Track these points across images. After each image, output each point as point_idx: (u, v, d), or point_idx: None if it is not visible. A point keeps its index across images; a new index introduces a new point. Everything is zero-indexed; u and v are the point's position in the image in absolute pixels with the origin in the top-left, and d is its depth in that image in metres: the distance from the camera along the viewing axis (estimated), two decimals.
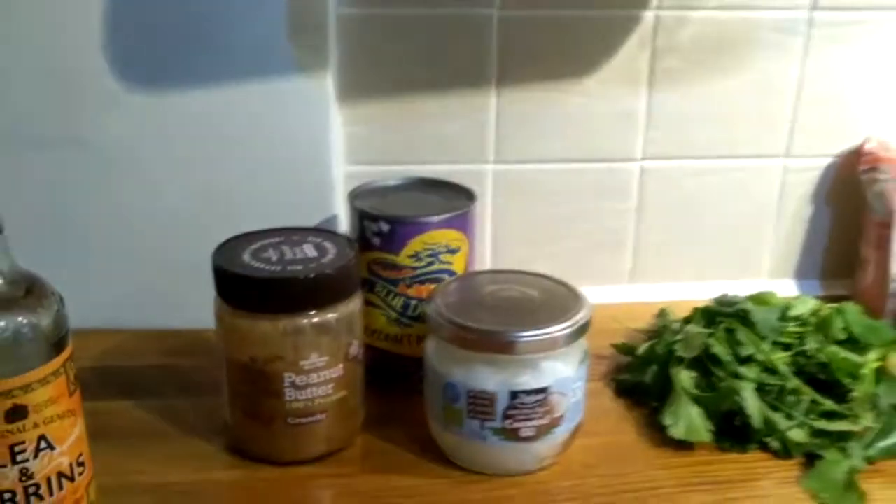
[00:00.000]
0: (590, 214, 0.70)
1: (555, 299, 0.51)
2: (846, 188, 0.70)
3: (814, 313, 0.59)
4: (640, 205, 0.70)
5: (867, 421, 0.51)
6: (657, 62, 0.66)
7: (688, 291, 0.70)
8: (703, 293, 0.64)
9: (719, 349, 0.54)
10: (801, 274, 0.73)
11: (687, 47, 0.66)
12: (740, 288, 0.63)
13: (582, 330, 0.48)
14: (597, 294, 0.56)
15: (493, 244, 0.70)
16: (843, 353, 0.55)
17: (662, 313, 0.65)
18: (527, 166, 0.68)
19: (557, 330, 0.47)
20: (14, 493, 0.39)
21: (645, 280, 0.72)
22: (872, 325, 0.58)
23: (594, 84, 0.66)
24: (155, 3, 0.57)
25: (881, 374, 0.55)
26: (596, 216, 0.70)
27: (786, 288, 0.72)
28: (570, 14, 0.64)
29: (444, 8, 0.63)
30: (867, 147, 0.69)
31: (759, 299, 0.61)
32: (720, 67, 0.67)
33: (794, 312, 0.59)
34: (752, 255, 0.73)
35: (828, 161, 0.70)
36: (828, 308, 0.60)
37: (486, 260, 0.70)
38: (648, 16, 0.65)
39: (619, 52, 0.65)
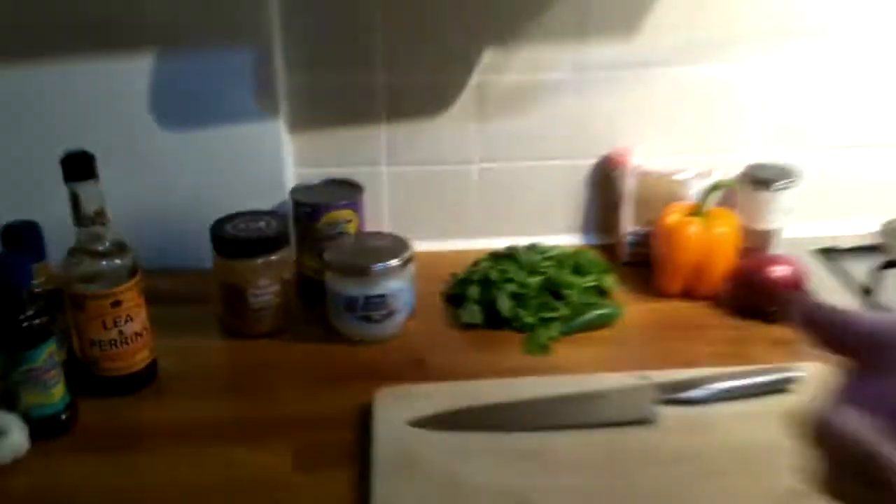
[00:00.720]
0: (441, 197, 1.11)
1: (395, 246, 0.93)
2: (607, 179, 1.12)
3: (563, 254, 1.01)
4: (479, 197, 1.12)
5: (565, 311, 0.93)
6: (487, 100, 1.07)
7: (503, 243, 1.10)
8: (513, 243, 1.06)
9: (493, 273, 0.96)
10: (585, 230, 1.15)
11: (505, 93, 1.07)
12: (546, 240, 1.05)
13: (406, 262, 0.90)
14: (444, 245, 0.99)
15: (390, 217, 1.12)
16: (569, 277, 0.97)
17: (477, 259, 1.07)
18: (405, 168, 1.10)
19: (391, 262, 0.89)
20: (117, 341, 0.82)
21: (486, 236, 1.13)
22: (593, 260, 1.00)
23: (442, 121, 1.07)
24: (163, 81, 0.99)
25: (590, 289, 0.97)
26: (444, 198, 1.12)
27: (574, 240, 1.13)
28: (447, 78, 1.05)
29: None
30: (613, 154, 1.10)
31: (534, 246, 1.03)
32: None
33: (549, 254, 1.01)
34: (551, 218, 1.14)
35: (593, 161, 1.11)
36: (572, 251, 1.02)
37: (384, 226, 1.11)
38: (474, 79, 1.06)
39: (456, 102, 1.06)
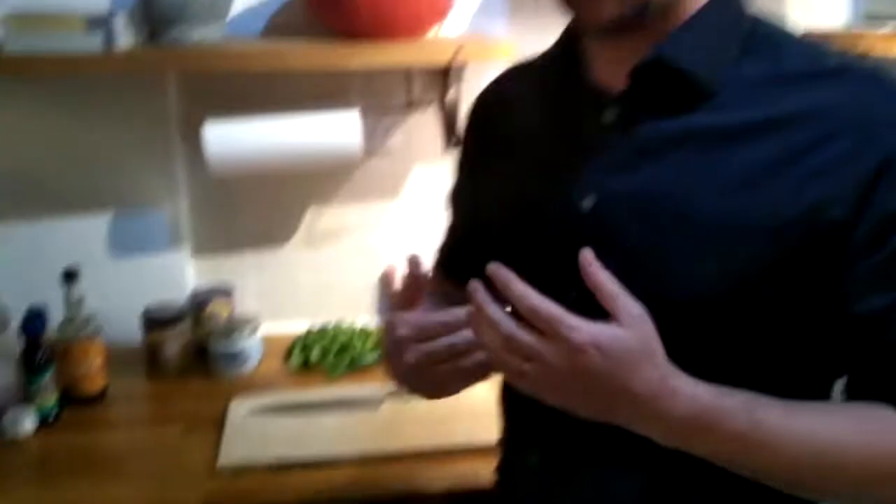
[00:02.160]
0: (287, 296, 1.79)
1: (252, 321, 1.60)
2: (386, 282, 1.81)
3: (361, 328, 1.69)
4: (311, 294, 1.80)
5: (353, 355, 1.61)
6: (314, 232, 1.76)
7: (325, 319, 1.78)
8: None
9: (310, 338, 1.64)
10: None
11: (327, 231, 1.77)
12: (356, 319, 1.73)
13: (255, 329, 1.58)
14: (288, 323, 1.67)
15: (254, 305, 1.79)
16: (357, 340, 1.65)
17: (307, 330, 1.74)
18: (264, 276, 1.78)
19: (247, 330, 1.56)
20: None
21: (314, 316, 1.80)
22: (375, 331, 1.69)
23: (288, 248, 1.76)
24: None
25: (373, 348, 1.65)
26: (289, 296, 1.80)
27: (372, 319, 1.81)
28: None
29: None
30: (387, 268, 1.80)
31: (340, 322, 1.71)
32: None
33: (351, 326, 1.69)
34: (357, 304, 1.82)
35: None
36: (366, 327, 1.71)
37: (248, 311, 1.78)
38: None
39: (293, 237, 1.76)
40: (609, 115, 0.82)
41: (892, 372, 0.76)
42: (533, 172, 0.89)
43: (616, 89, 0.82)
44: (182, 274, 1.71)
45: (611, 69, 0.83)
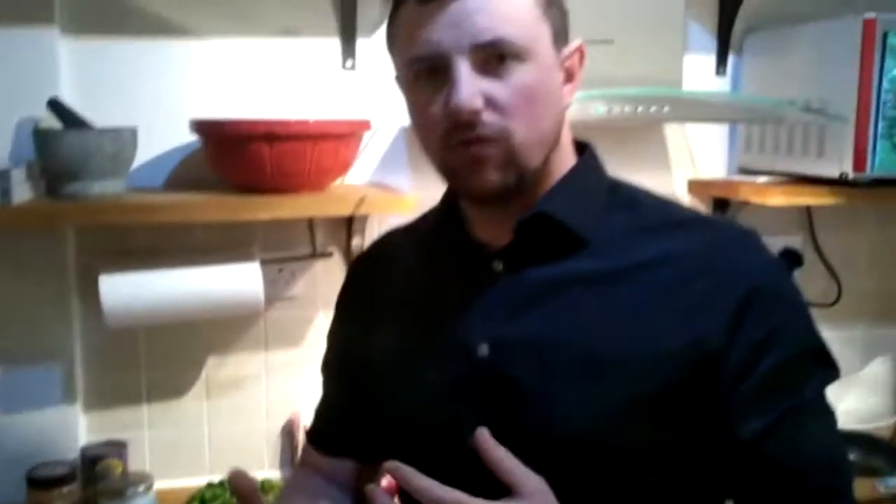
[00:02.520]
0: (181, 452, 1.73)
1: (145, 478, 1.53)
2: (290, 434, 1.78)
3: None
4: (210, 450, 1.75)
5: None
6: (212, 387, 1.72)
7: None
8: None
9: (207, 493, 1.57)
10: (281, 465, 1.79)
11: (223, 384, 1.73)
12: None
13: (149, 487, 1.51)
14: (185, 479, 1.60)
15: (149, 462, 1.72)
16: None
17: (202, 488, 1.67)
18: (159, 431, 1.72)
19: (141, 488, 1.50)
20: None
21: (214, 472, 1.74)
22: (276, 483, 1.64)
23: (184, 401, 1.72)
24: None
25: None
26: (183, 452, 1.74)
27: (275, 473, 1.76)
28: None
29: None
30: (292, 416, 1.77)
31: None
32: None
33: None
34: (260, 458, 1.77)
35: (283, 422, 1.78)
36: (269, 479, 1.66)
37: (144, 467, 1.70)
38: None
39: (190, 391, 1.72)
40: (497, 266, 0.90)
41: (774, 492, 0.82)
42: (426, 326, 0.93)
43: (498, 244, 0.90)
44: (73, 430, 1.64)
45: (491, 227, 0.91)
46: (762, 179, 1.77)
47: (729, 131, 1.91)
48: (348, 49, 1.67)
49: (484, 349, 0.86)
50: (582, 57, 0.90)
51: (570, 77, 0.89)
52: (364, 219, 1.67)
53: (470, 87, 0.80)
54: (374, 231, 1.71)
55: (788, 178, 1.75)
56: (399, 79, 0.90)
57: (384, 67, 1.66)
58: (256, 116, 1.54)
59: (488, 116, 0.81)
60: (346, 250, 1.70)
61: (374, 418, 0.96)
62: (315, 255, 1.68)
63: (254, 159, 1.44)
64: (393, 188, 1.68)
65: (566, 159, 0.91)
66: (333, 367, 1.08)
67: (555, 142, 0.87)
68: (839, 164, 1.60)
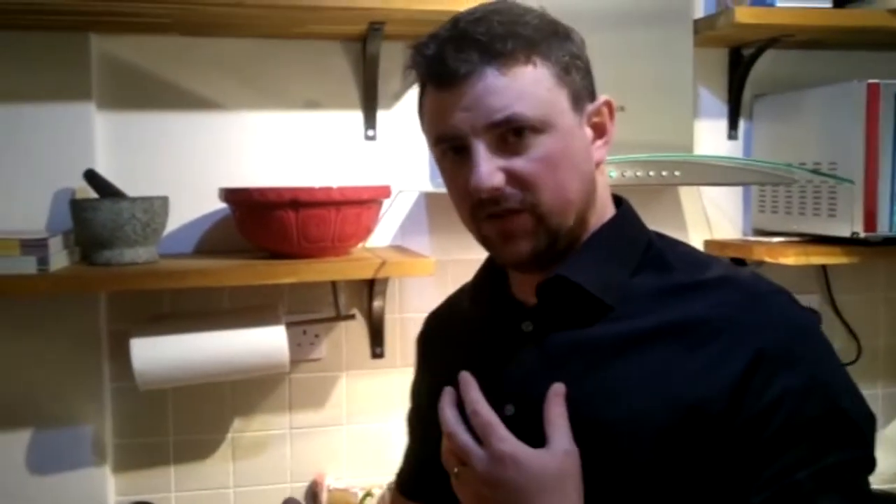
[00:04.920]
0: None
1: None
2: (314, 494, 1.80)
3: None
4: None
5: None
6: (238, 448, 1.76)
7: None
8: None
9: None
10: None
11: (249, 443, 1.76)
12: None
13: None
14: None
15: None
16: None
17: None
18: (186, 492, 1.74)
19: None
20: None
21: None
22: None
23: (211, 461, 1.74)
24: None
25: None
26: None
27: None
28: None
29: None
30: (316, 477, 1.79)
31: None
32: None
33: None
34: None
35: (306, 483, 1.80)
36: None
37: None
38: None
39: (217, 450, 1.75)
40: (527, 326, 0.93)
41: None
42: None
43: (531, 303, 0.93)
44: (102, 491, 1.67)
45: (526, 286, 0.94)
46: (776, 240, 1.80)
47: (743, 193, 1.95)
48: (369, 120, 1.74)
49: (510, 409, 0.89)
50: (611, 110, 0.92)
51: (600, 132, 0.91)
52: (385, 281, 1.71)
53: (488, 165, 0.84)
54: (395, 293, 1.75)
55: (802, 239, 1.78)
56: (431, 152, 0.94)
57: (403, 136, 1.78)
58: (282, 185, 1.61)
59: (510, 190, 0.84)
60: (368, 312, 1.74)
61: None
62: (338, 317, 1.72)
63: (280, 226, 1.49)
64: (413, 251, 1.73)
65: (603, 213, 0.93)
66: (412, 416, 1.14)
67: (587, 201, 0.89)
68: (850, 224, 1.63)
